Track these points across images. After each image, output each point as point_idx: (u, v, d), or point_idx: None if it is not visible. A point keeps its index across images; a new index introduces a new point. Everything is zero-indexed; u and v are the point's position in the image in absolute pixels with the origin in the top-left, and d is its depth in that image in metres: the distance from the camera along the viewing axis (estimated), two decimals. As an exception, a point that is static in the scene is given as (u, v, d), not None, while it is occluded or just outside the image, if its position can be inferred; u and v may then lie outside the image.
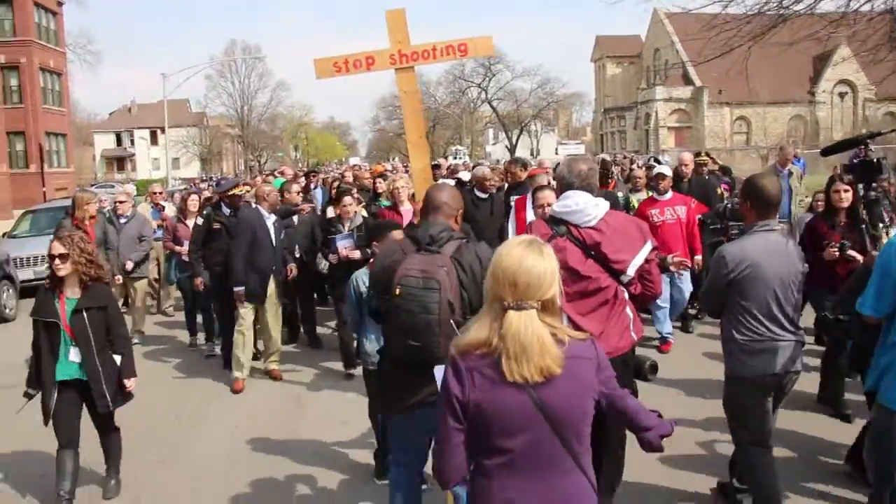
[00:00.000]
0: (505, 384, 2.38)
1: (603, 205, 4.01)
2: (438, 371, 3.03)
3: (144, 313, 10.28)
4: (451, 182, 9.75)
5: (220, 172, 76.98)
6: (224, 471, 5.71)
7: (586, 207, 3.94)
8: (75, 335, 4.86)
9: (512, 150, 71.07)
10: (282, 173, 12.38)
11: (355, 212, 8.03)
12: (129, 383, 5.12)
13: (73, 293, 4.91)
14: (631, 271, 3.91)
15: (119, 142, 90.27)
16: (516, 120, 77.42)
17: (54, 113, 42.23)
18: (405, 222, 7.08)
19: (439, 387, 2.72)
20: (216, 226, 8.31)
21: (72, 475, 4.98)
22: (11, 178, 36.50)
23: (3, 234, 16.24)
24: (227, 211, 8.42)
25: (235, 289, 7.56)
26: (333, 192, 9.88)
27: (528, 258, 2.43)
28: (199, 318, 9.49)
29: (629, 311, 4.03)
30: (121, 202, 9.99)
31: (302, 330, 9.55)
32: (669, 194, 8.17)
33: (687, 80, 65.17)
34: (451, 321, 3.42)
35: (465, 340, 2.49)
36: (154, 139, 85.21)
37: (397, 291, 3.48)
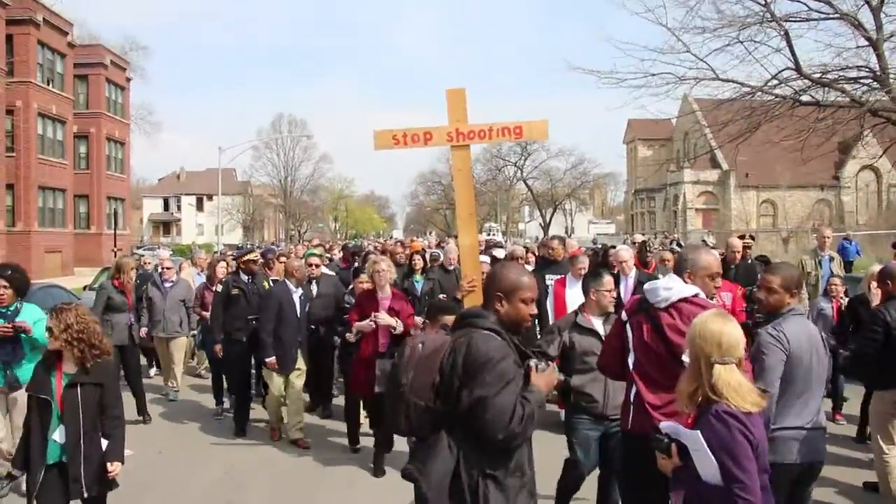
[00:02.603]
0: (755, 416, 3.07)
1: (678, 289, 4.09)
2: (694, 437, 3.13)
3: (181, 371, 10.50)
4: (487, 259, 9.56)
5: (262, 240, 79.24)
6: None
7: (657, 289, 4.12)
8: (65, 411, 4.58)
9: (545, 227, 72.37)
10: (309, 243, 13.57)
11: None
12: (112, 467, 4.68)
13: (70, 368, 4.66)
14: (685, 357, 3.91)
15: (166, 206, 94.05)
16: (551, 198, 78.63)
17: (115, 179, 45.50)
18: (383, 309, 7.03)
19: (705, 448, 3.06)
20: (234, 292, 8.61)
21: None
22: (75, 238, 39.17)
23: (84, 287, 18.23)
24: (245, 278, 8.77)
25: (267, 359, 7.77)
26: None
27: (728, 325, 3.16)
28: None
29: None
30: (167, 268, 10.41)
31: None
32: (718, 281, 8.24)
33: (714, 164, 66.21)
34: (413, 400, 3.11)
35: (683, 393, 3.21)
36: (200, 205, 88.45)
37: None
